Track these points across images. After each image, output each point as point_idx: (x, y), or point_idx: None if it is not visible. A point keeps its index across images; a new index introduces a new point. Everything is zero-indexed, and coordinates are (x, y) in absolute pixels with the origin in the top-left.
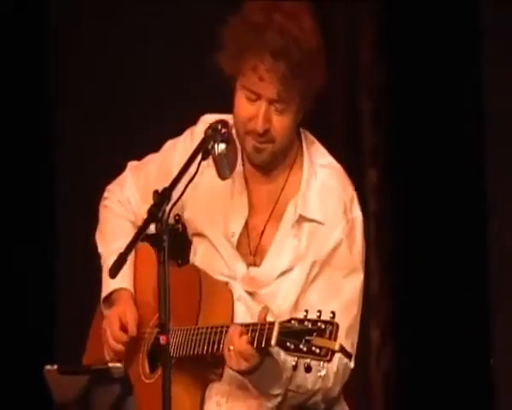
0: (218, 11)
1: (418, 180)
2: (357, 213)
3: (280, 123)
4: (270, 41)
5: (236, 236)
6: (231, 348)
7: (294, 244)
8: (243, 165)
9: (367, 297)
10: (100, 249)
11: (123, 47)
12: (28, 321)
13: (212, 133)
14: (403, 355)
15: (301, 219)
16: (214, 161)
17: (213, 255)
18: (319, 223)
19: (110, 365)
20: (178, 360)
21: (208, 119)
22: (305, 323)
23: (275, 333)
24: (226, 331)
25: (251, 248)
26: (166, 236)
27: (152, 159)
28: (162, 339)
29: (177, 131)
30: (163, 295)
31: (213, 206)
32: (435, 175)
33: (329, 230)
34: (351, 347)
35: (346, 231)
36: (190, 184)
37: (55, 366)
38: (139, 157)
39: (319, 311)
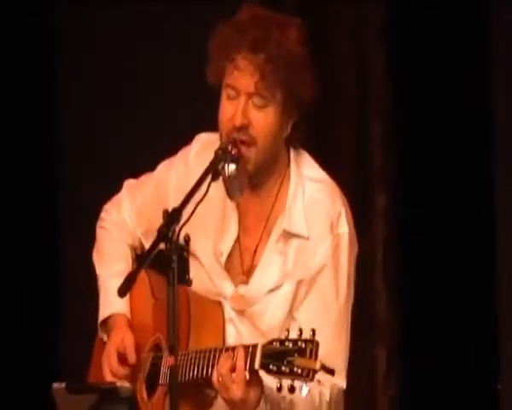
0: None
1: (427, 203)
2: (343, 229)
3: (259, 119)
4: (249, 34)
5: (225, 255)
6: (220, 379)
7: (281, 261)
8: None
9: (374, 322)
10: (98, 271)
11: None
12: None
13: (222, 154)
14: (410, 381)
15: (286, 234)
16: (224, 182)
17: (203, 276)
18: (305, 238)
19: (118, 384)
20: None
21: (202, 138)
22: (286, 343)
23: (258, 356)
24: (214, 355)
25: (244, 269)
26: (176, 256)
27: (147, 180)
28: (169, 360)
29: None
30: (171, 317)
31: (205, 227)
32: (444, 200)
33: (315, 246)
34: (343, 365)
35: (332, 248)
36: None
37: (63, 384)
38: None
39: (300, 329)
